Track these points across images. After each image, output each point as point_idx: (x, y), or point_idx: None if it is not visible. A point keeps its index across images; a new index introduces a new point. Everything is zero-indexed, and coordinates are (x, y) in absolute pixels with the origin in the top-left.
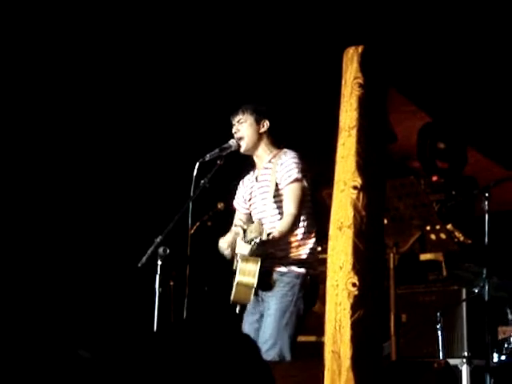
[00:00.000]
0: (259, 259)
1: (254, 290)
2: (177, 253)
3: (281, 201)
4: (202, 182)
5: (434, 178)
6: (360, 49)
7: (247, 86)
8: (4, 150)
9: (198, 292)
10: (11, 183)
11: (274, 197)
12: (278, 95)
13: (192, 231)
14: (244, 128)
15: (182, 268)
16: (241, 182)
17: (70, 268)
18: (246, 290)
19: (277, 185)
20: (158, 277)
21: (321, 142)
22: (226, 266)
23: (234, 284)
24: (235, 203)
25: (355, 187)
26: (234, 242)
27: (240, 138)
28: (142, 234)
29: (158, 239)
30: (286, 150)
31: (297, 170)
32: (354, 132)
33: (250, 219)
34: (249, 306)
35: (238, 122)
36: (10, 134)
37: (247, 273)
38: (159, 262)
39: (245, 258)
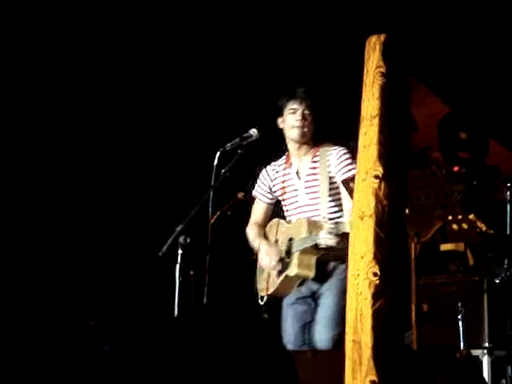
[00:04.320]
0: (318, 252)
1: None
2: (197, 242)
3: (336, 194)
4: (223, 171)
5: (456, 169)
6: (382, 37)
7: (268, 76)
8: (6, 149)
9: (218, 281)
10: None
11: (330, 190)
12: (299, 84)
13: (212, 220)
14: (310, 118)
15: (202, 257)
16: (264, 172)
17: (91, 259)
18: (292, 282)
19: (330, 178)
20: (178, 266)
21: (344, 131)
22: (246, 256)
23: (281, 277)
24: (256, 193)
25: (377, 176)
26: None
27: (303, 127)
28: (162, 223)
29: (179, 228)
30: (327, 142)
31: (354, 166)
32: (375, 121)
33: (270, 210)
34: (291, 299)
35: (307, 107)
36: (12, 133)
37: (305, 265)
38: (180, 251)
39: (304, 251)
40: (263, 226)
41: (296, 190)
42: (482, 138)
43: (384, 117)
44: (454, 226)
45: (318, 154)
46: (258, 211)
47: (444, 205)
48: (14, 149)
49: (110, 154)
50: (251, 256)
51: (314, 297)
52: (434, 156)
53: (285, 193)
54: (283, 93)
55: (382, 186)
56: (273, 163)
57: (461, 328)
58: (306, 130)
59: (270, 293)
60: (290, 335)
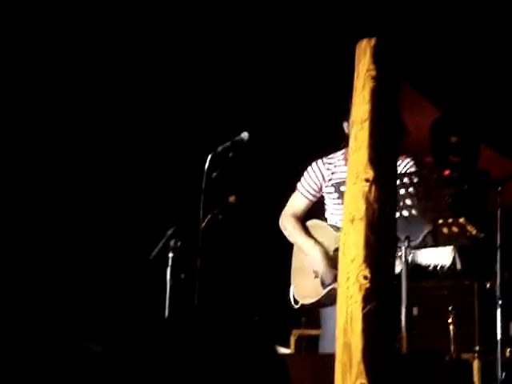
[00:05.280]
0: None
1: None
2: (188, 246)
3: None
4: (214, 174)
5: (447, 172)
6: (373, 41)
7: (258, 80)
8: (5, 149)
9: (209, 285)
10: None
11: None
12: (290, 88)
13: (203, 224)
14: None
15: (193, 261)
16: (315, 167)
17: (80, 261)
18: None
19: None
20: (169, 269)
21: (335, 135)
22: (238, 259)
23: (327, 289)
24: (301, 187)
25: (367, 180)
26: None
27: None
28: (153, 226)
29: (170, 232)
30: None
31: None
32: (366, 125)
33: (310, 207)
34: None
35: None
36: (11, 133)
37: None
38: (170, 255)
39: None
40: (300, 221)
41: None
42: (473, 142)
43: (374, 120)
44: (445, 230)
45: None
46: (298, 204)
47: (434, 208)
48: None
49: (100, 157)
50: (244, 259)
51: None
52: (426, 160)
53: (338, 191)
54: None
55: (373, 189)
56: (326, 158)
57: (451, 332)
58: None
59: (310, 302)
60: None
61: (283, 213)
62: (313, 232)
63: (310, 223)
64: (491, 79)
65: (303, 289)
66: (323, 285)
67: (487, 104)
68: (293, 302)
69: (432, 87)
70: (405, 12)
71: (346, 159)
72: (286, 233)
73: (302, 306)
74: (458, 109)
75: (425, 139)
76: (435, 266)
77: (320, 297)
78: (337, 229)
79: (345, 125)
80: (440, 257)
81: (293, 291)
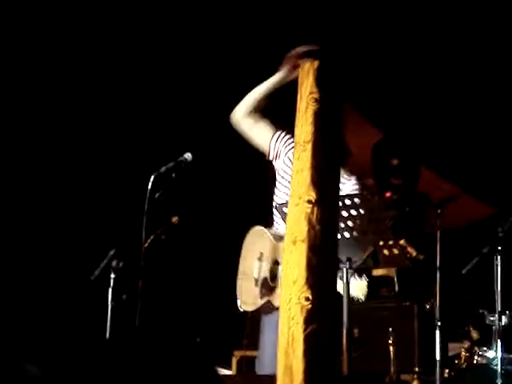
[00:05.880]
0: None
1: None
2: (130, 266)
3: None
4: (157, 194)
5: (388, 195)
6: (315, 64)
7: (201, 101)
8: None
9: (151, 306)
10: None
11: None
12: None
13: (146, 245)
14: None
15: (135, 281)
16: (285, 135)
17: (20, 279)
18: (274, 309)
19: None
20: (110, 290)
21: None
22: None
23: (263, 300)
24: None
25: (309, 201)
26: None
27: None
28: (95, 246)
29: (112, 252)
30: None
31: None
32: (309, 146)
33: (265, 126)
34: (272, 318)
35: None
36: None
37: None
38: (112, 275)
39: None
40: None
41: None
42: (414, 165)
43: (317, 142)
44: (385, 252)
45: None
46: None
47: (376, 230)
48: None
49: (42, 171)
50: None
51: None
52: (367, 182)
53: (281, 213)
54: None
55: (315, 210)
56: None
57: (391, 353)
58: None
59: (250, 310)
60: (268, 354)
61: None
62: (254, 240)
63: (253, 231)
64: (431, 101)
65: (245, 295)
66: (261, 294)
67: (428, 126)
68: (238, 306)
69: (373, 109)
70: (346, 35)
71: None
72: (244, 107)
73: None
74: (399, 131)
75: (367, 161)
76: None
77: (258, 307)
78: (279, 238)
79: None
80: (354, 290)
81: (238, 294)
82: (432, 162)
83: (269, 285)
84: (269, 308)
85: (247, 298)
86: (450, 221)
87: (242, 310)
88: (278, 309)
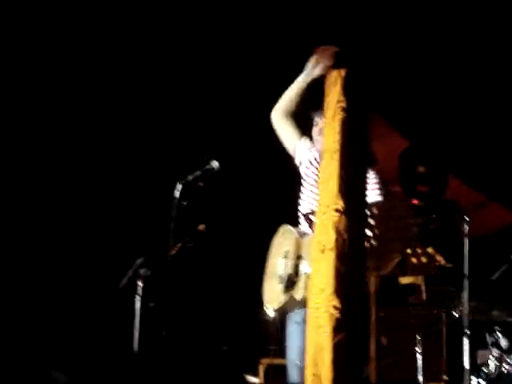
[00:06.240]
0: None
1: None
2: (158, 274)
3: None
4: (184, 203)
5: (415, 202)
6: (343, 72)
7: (230, 110)
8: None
9: (179, 313)
10: None
11: None
12: (262, 118)
13: (173, 252)
14: None
15: (162, 289)
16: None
17: (49, 288)
18: (297, 304)
19: None
20: (138, 298)
21: None
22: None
23: (287, 296)
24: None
25: (337, 210)
26: None
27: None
28: (123, 255)
29: (140, 260)
30: None
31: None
32: (336, 156)
33: (295, 134)
34: (297, 317)
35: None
36: (9, 134)
37: None
38: (140, 284)
39: None
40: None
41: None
42: (441, 172)
43: (344, 151)
44: (413, 260)
45: None
46: (293, 132)
47: (403, 238)
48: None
49: (71, 181)
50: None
51: None
52: (393, 190)
53: (308, 220)
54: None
55: (343, 219)
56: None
57: (419, 361)
58: None
59: (275, 308)
60: (296, 354)
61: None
62: (281, 240)
63: (280, 231)
64: (458, 110)
65: (269, 294)
66: (285, 290)
67: (455, 135)
68: (267, 309)
69: (400, 117)
70: (372, 43)
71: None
72: (279, 108)
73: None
74: (426, 139)
75: (393, 169)
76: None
77: (282, 304)
78: (303, 234)
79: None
80: None
81: (264, 297)
82: (458, 170)
83: (292, 280)
84: (292, 305)
85: (271, 295)
86: (478, 228)
87: (266, 309)
88: (300, 303)
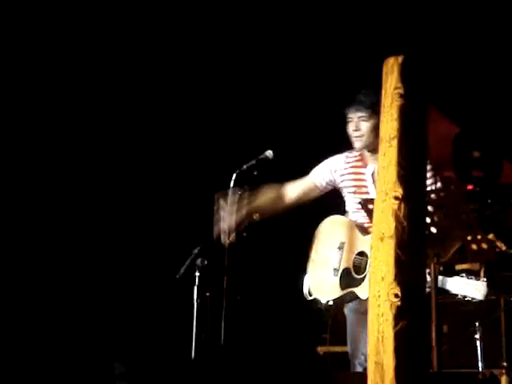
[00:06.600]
0: None
1: None
2: (214, 264)
3: None
4: (239, 192)
5: (470, 187)
6: (400, 59)
7: (284, 99)
8: (4, 150)
9: (233, 303)
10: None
11: None
12: (316, 106)
13: (228, 242)
14: (367, 126)
15: (219, 279)
16: (334, 162)
17: (108, 280)
18: (356, 299)
19: None
20: (196, 288)
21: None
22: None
23: (346, 291)
24: (315, 173)
25: (396, 197)
26: None
27: (359, 136)
28: (180, 245)
29: (196, 250)
30: None
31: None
32: (394, 142)
33: (312, 195)
34: (358, 306)
35: (362, 115)
36: (10, 134)
37: None
38: (197, 274)
39: None
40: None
41: (368, 194)
42: (495, 157)
43: (403, 138)
44: (474, 246)
45: None
46: (302, 182)
47: (463, 224)
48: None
49: (125, 171)
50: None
51: None
52: (447, 175)
53: (356, 192)
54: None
55: (402, 206)
56: (344, 155)
57: (478, 348)
58: (364, 139)
59: (326, 299)
60: (358, 342)
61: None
62: (332, 229)
63: (331, 219)
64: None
65: (319, 283)
66: (342, 285)
67: (508, 118)
68: (307, 294)
69: (451, 103)
70: (430, 30)
71: (362, 160)
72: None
73: (315, 300)
74: (479, 124)
75: (444, 155)
76: (464, 297)
77: (338, 297)
78: (363, 231)
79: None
80: (472, 290)
81: (309, 283)
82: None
83: (352, 276)
84: (349, 299)
85: (323, 286)
86: None
87: (310, 298)
88: (364, 302)
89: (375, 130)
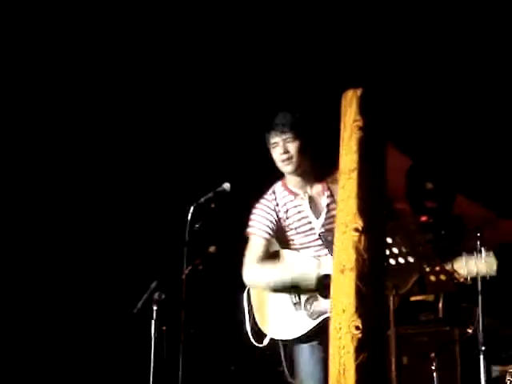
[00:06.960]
0: None
1: None
2: (171, 298)
3: None
4: (197, 225)
5: (424, 218)
6: (359, 91)
7: (240, 132)
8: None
9: (190, 336)
10: None
11: None
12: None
13: (184, 276)
14: (296, 148)
15: (177, 313)
16: (264, 205)
17: (64, 315)
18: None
19: None
20: (153, 322)
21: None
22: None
23: (319, 319)
24: (254, 229)
25: (356, 229)
26: None
27: (288, 160)
28: (135, 279)
29: (154, 284)
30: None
31: None
32: (354, 175)
33: (270, 247)
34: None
35: (288, 138)
36: (10, 134)
37: None
38: (155, 308)
39: None
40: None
41: (312, 229)
42: (448, 188)
43: (362, 170)
44: (432, 278)
45: (329, 189)
46: (259, 248)
47: (418, 255)
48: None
49: (84, 204)
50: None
51: None
52: (398, 207)
53: (298, 227)
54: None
55: (362, 238)
56: (267, 195)
57: (435, 379)
58: (294, 160)
59: (296, 337)
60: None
61: (246, 266)
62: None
63: (285, 252)
64: (462, 126)
65: (282, 325)
66: (312, 315)
67: (460, 151)
68: (261, 340)
69: (403, 136)
70: (389, 63)
71: (290, 192)
72: (260, 282)
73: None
74: (432, 156)
75: (397, 186)
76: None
77: (311, 328)
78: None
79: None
80: (483, 267)
81: (266, 332)
82: (466, 187)
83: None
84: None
85: (284, 326)
86: (489, 244)
87: (265, 343)
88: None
89: (302, 151)
